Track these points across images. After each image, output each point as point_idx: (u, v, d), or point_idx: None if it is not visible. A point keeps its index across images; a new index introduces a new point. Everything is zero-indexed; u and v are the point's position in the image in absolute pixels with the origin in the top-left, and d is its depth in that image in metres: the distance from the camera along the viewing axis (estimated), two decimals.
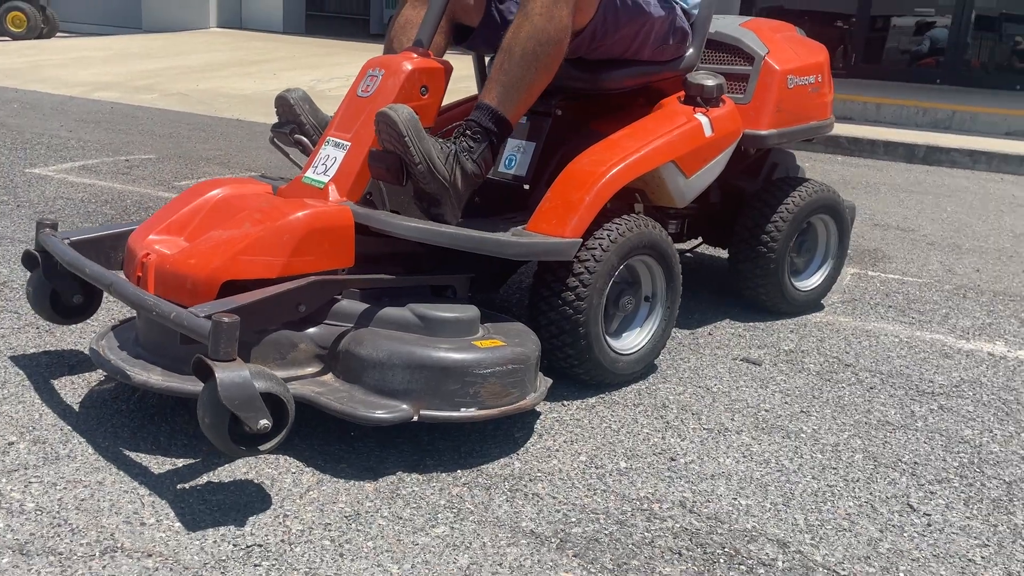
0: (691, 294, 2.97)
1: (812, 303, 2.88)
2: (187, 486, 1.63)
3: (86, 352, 2.13)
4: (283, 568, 1.42)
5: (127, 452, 1.73)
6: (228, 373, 1.44)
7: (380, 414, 1.69)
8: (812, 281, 2.87)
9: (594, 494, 1.71)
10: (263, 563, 1.42)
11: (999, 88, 9.30)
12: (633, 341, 2.23)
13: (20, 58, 9.59)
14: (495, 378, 1.76)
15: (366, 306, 1.85)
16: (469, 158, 1.94)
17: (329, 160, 2.01)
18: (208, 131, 5.97)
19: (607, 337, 2.13)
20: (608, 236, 2.06)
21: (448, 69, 2.09)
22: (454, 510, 1.62)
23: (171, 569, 1.39)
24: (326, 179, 1.98)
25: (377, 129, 1.85)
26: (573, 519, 1.62)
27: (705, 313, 2.82)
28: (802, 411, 2.14)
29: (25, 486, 1.58)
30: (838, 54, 10.49)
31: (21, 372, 2.03)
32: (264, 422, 1.46)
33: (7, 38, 12.10)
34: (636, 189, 2.33)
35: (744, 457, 1.89)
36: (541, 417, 2.02)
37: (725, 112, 2.36)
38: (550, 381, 1.96)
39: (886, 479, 1.84)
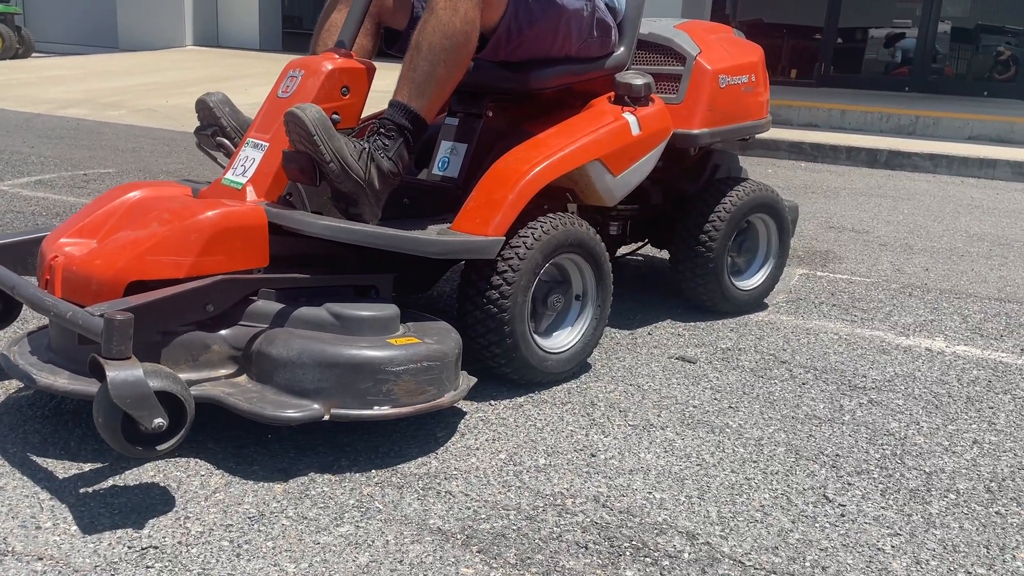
0: (636, 295, 2.97)
1: (754, 302, 2.88)
2: (90, 490, 1.60)
3: None
4: (176, 569, 1.39)
5: (34, 457, 1.70)
6: (120, 372, 1.42)
7: (289, 413, 1.67)
8: (753, 281, 2.87)
9: (508, 491, 1.69)
10: (156, 564, 1.40)
11: (967, 95, 9.40)
12: (564, 340, 2.22)
13: None
14: (409, 375, 1.74)
15: (281, 306, 1.84)
16: (384, 156, 1.93)
17: (248, 161, 2.00)
18: (172, 145, 5.96)
19: (535, 336, 2.12)
20: (532, 234, 2.06)
21: (371, 70, 2.09)
22: (362, 509, 1.60)
23: (60, 572, 1.36)
24: (244, 180, 1.97)
25: (287, 129, 1.84)
26: (483, 515, 1.60)
27: (648, 313, 2.81)
28: (730, 407, 2.14)
29: None
30: (816, 65, 10.61)
31: None
32: (159, 421, 1.44)
33: None
34: (566, 188, 2.33)
35: (665, 452, 1.88)
36: (466, 416, 2.00)
37: (654, 111, 2.37)
38: (473, 380, 1.95)
39: (805, 471, 1.83)
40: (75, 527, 1.48)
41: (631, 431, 1.98)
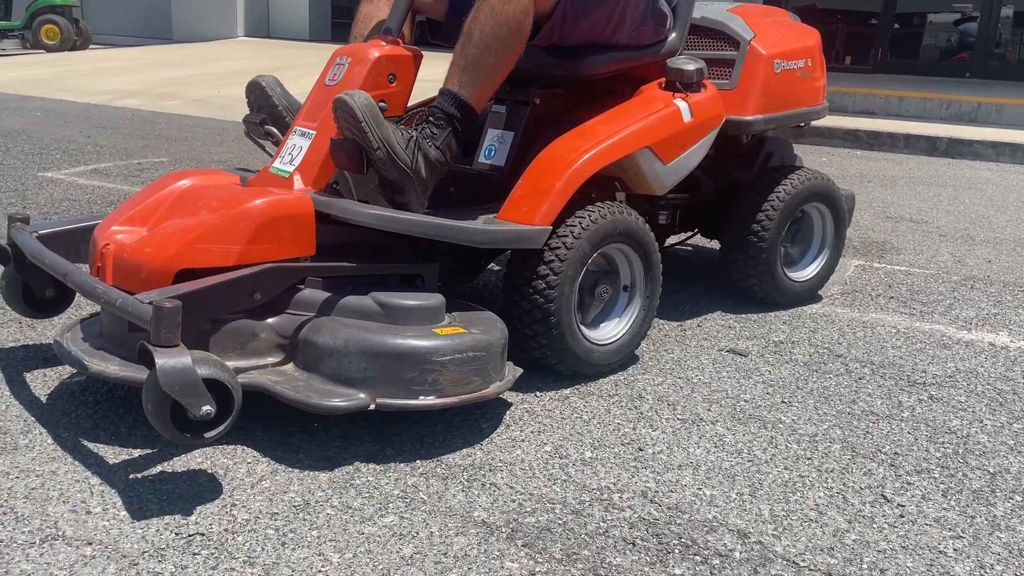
0: (685, 286, 2.92)
1: (808, 294, 2.80)
2: (139, 476, 1.62)
3: None
4: (222, 556, 1.40)
5: (86, 443, 1.72)
6: (169, 359, 1.42)
7: (335, 402, 1.66)
8: (807, 272, 2.79)
9: (553, 484, 1.67)
10: (202, 551, 1.41)
11: None
12: (611, 331, 2.18)
13: (50, 69, 9.80)
14: (455, 366, 1.73)
15: (328, 295, 1.83)
16: (432, 144, 1.91)
17: (295, 150, 2.00)
18: (223, 135, 6.03)
19: (582, 327, 2.09)
20: (580, 224, 2.02)
21: (417, 57, 2.07)
22: (406, 500, 1.59)
23: (108, 557, 1.38)
24: (291, 168, 1.97)
25: (335, 116, 1.83)
26: (528, 509, 1.58)
27: (697, 304, 2.76)
28: (783, 401, 2.08)
29: None
30: (871, 51, 10.33)
31: None
32: (207, 408, 1.45)
33: (41, 50, 12.39)
34: (615, 177, 2.29)
35: (715, 447, 1.84)
36: (511, 407, 1.98)
37: (706, 97, 2.31)
38: (519, 371, 1.92)
39: (862, 470, 1.77)
40: (124, 512, 1.50)
41: (680, 425, 1.93)
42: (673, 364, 2.28)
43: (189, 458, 1.69)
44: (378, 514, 1.54)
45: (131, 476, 1.62)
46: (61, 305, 2.10)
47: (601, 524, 1.54)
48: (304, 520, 1.51)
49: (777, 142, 2.87)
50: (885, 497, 1.67)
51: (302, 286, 1.85)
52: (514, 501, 1.60)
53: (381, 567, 1.39)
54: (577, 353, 2.06)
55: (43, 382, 1.98)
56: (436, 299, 1.85)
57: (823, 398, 2.11)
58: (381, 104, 1.97)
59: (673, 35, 2.41)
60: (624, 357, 2.20)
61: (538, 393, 2.06)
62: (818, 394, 2.13)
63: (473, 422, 1.90)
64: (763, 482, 1.71)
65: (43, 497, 1.52)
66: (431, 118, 1.94)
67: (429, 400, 1.71)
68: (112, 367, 1.70)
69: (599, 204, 2.08)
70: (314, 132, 1.98)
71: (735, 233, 2.64)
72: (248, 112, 2.29)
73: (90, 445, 1.72)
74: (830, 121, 6.15)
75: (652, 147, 2.18)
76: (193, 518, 1.50)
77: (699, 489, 1.67)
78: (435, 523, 1.52)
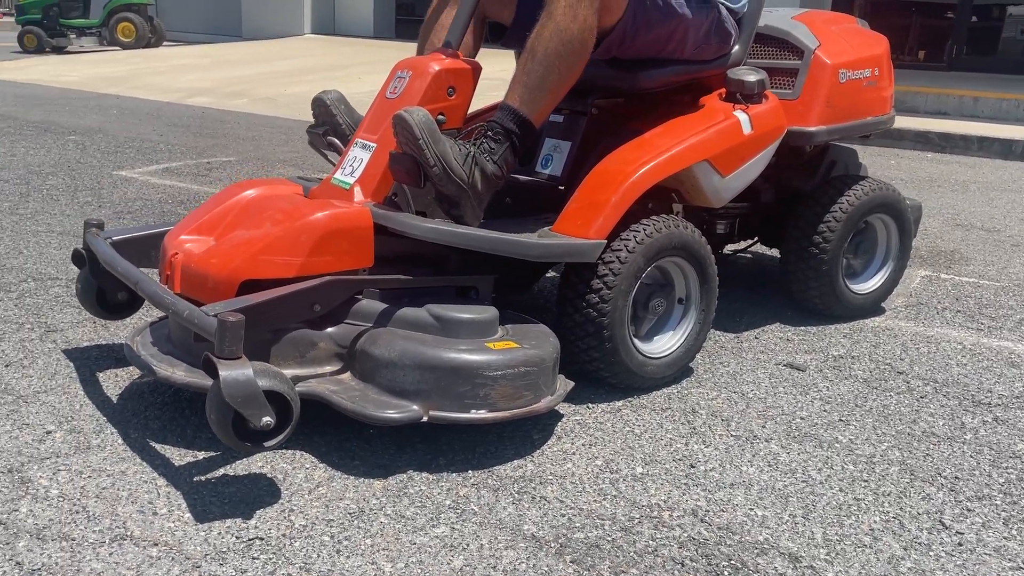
0: (743, 296, 2.89)
1: (870, 307, 2.75)
2: (203, 478, 1.68)
3: None
4: (279, 562, 1.45)
5: (153, 444, 1.80)
6: (231, 371, 1.48)
7: (390, 414, 1.70)
8: (870, 284, 2.74)
9: (603, 499, 1.68)
10: (261, 556, 1.46)
11: None
12: (665, 344, 2.18)
13: (125, 66, 10.14)
14: (506, 380, 1.75)
15: (385, 306, 1.87)
16: (489, 159, 1.94)
17: (356, 161, 2.04)
18: (288, 134, 6.17)
19: (635, 340, 2.09)
20: (635, 237, 2.02)
21: (477, 69, 2.10)
22: (458, 511, 1.62)
23: (173, 559, 1.44)
24: (352, 180, 2.01)
25: (394, 132, 1.87)
26: (577, 524, 1.59)
27: (755, 316, 2.73)
28: (841, 420, 2.05)
29: (54, 473, 1.66)
30: (946, 47, 10.00)
31: (71, 364, 2.15)
32: (267, 419, 1.50)
33: (117, 47, 12.82)
34: (672, 189, 2.28)
35: (769, 466, 1.82)
36: (563, 419, 1.99)
37: (767, 109, 2.28)
38: (571, 384, 1.94)
39: (920, 494, 1.74)
40: (188, 515, 1.56)
41: (733, 442, 1.92)
42: (728, 378, 2.26)
43: (250, 462, 1.75)
44: (430, 524, 1.57)
45: (196, 478, 1.68)
46: (132, 308, 2.19)
47: (650, 543, 1.55)
48: (359, 528, 1.55)
49: (841, 150, 2.81)
50: (943, 524, 1.64)
51: (360, 297, 1.89)
52: (564, 516, 1.62)
53: None
54: (630, 367, 2.07)
55: (115, 382, 2.07)
56: (490, 312, 1.88)
57: (882, 417, 2.07)
58: (440, 117, 2.00)
59: (737, 47, 2.38)
60: (678, 370, 2.20)
61: (590, 405, 2.07)
62: (877, 413, 2.09)
63: (525, 433, 1.92)
64: (817, 504, 1.69)
65: (113, 497, 1.60)
66: (490, 132, 1.96)
67: (480, 414, 1.74)
68: (179, 373, 1.77)
69: (654, 218, 2.07)
70: (375, 145, 2.02)
71: (795, 244, 2.61)
72: (312, 123, 2.34)
73: (158, 446, 1.79)
74: (900, 122, 5.97)
75: (710, 160, 2.16)
76: (253, 522, 1.55)
77: (751, 509, 1.66)
78: (485, 535, 1.55)
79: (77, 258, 2.11)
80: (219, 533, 1.51)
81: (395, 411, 1.70)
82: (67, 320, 2.43)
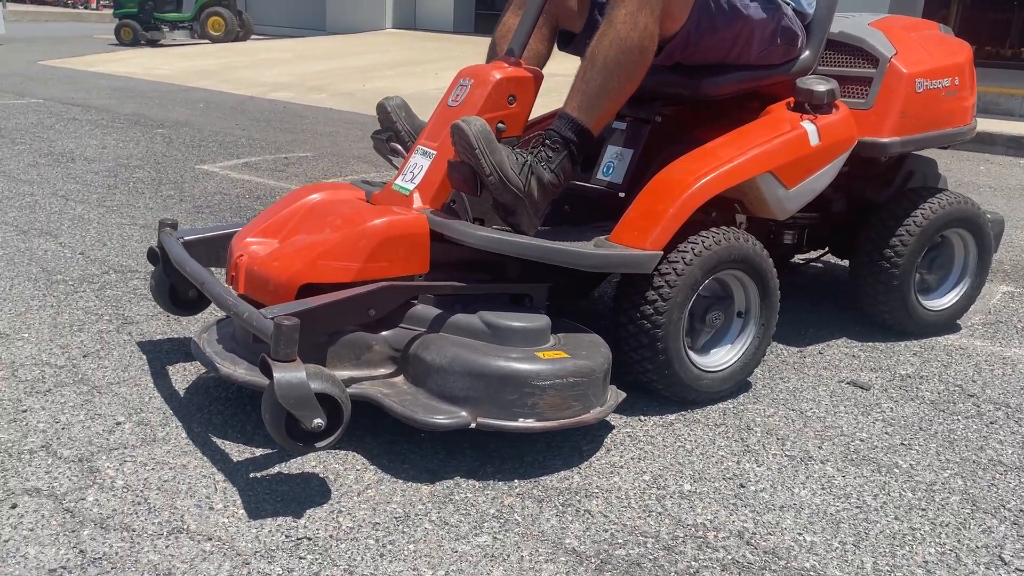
0: (809, 308, 2.82)
1: (944, 324, 2.65)
2: (259, 475, 1.74)
3: None
4: (325, 563, 1.49)
5: (215, 439, 1.87)
6: (285, 374, 1.52)
7: (439, 419, 1.73)
8: (945, 300, 2.64)
9: (648, 516, 1.67)
10: (308, 556, 1.50)
11: None
12: (722, 358, 2.15)
13: (215, 60, 10.48)
14: (555, 390, 1.75)
15: (439, 312, 1.90)
16: (547, 168, 1.94)
17: (416, 168, 2.07)
18: (364, 131, 6.28)
19: (690, 353, 2.07)
20: (692, 249, 2.00)
21: (538, 78, 2.10)
22: (501, 520, 1.63)
23: (224, 554, 1.49)
24: (412, 186, 2.05)
25: (452, 141, 1.89)
26: (619, 540, 1.59)
27: (821, 329, 2.66)
28: (903, 443, 1.99)
29: (120, 464, 1.74)
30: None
31: (144, 357, 2.25)
32: (318, 421, 1.54)
33: (207, 41, 13.26)
34: (735, 200, 2.24)
35: (822, 489, 1.78)
36: (613, 431, 1.99)
37: (836, 119, 2.22)
38: (622, 395, 1.93)
39: (981, 526, 1.67)
40: (242, 511, 1.62)
41: (787, 462, 1.89)
42: (787, 394, 2.22)
43: (304, 460, 1.80)
44: (473, 532, 1.59)
45: (251, 475, 1.74)
46: (202, 304, 2.28)
47: (692, 563, 1.53)
48: (403, 533, 1.58)
49: (919, 160, 2.72)
50: (1003, 559, 1.57)
51: (415, 301, 1.93)
52: (607, 531, 1.61)
53: None
54: (684, 380, 2.05)
55: (183, 376, 2.16)
56: (542, 321, 1.88)
57: (947, 442, 2.00)
58: (500, 125, 2.01)
59: (806, 53, 2.32)
60: (735, 385, 2.16)
61: (642, 417, 2.06)
62: (942, 437, 2.02)
63: (574, 443, 1.92)
64: (870, 532, 1.64)
65: (173, 490, 1.67)
66: (547, 141, 1.97)
67: (528, 423, 1.75)
68: (240, 371, 1.83)
69: (713, 230, 2.04)
70: (435, 152, 2.05)
71: (866, 256, 2.53)
72: (378, 128, 2.39)
73: (218, 441, 1.86)
74: (991, 126, 5.72)
75: (774, 172, 2.12)
76: (303, 521, 1.60)
77: (799, 534, 1.63)
78: (527, 547, 1.56)
79: (152, 256, 2.20)
80: (270, 531, 1.56)
81: (444, 416, 1.73)
82: (143, 313, 2.54)
